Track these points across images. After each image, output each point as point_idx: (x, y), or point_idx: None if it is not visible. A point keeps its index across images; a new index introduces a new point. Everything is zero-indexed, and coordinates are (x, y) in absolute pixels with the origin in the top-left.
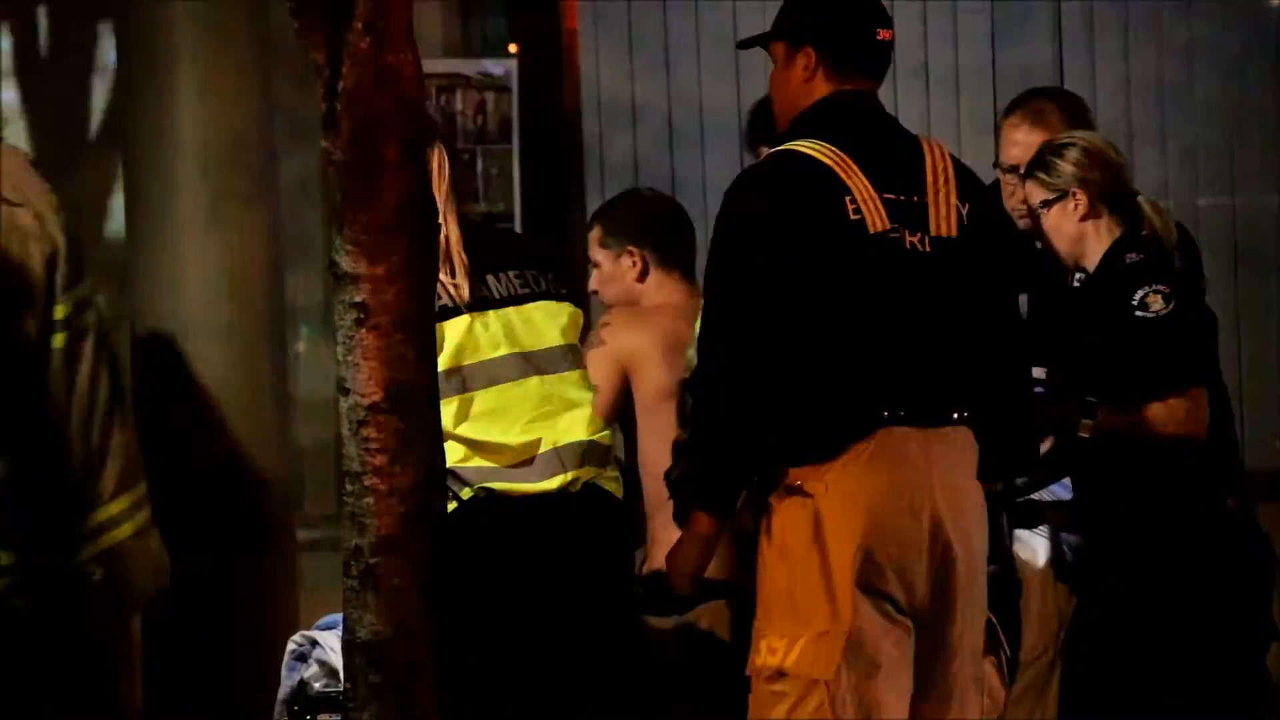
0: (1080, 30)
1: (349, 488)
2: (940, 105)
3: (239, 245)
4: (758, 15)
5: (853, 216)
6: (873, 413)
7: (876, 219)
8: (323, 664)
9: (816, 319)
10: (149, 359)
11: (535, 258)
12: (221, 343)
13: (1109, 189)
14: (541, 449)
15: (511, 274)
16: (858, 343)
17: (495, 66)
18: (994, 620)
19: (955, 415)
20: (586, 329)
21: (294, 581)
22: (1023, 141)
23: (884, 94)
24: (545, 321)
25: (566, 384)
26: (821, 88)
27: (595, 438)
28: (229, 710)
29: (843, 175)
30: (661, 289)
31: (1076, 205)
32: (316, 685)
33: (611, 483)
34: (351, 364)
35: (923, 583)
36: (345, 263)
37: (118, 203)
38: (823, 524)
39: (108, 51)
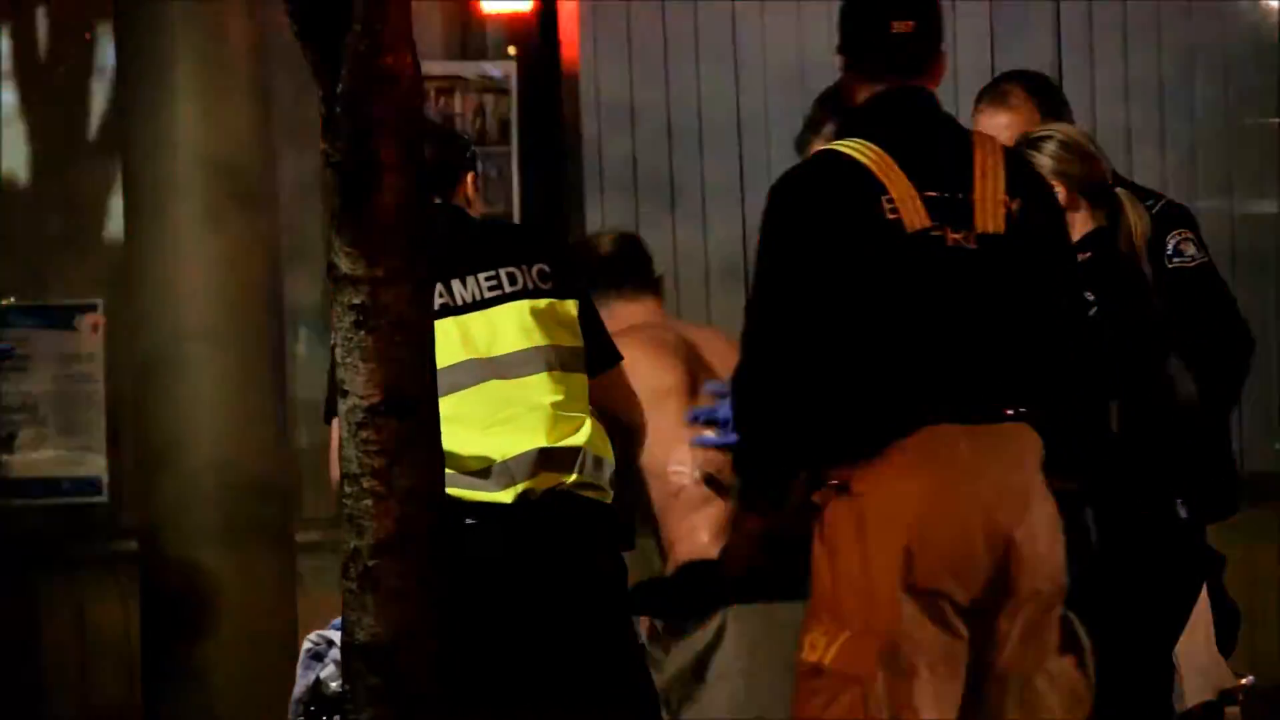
0: (1080, 31)
1: (348, 490)
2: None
3: (238, 247)
4: (757, 16)
5: (889, 216)
6: (915, 411)
7: (915, 217)
8: (339, 664)
9: (856, 318)
10: (148, 361)
11: (518, 252)
12: (220, 344)
13: (1087, 181)
14: (495, 462)
15: (481, 277)
16: (897, 341)
17: (494, 68)
18: (1073, 617)
19: (1009, 412)
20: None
21: (293, 583)
22: (985, 125)
23: None
24: (511, 325)
25: (529, 388)
26: (861, 90)
27: (560, 444)
28: (227, 707)
29: (880, 174)
30: (629, 311)
31: None
32: (333, 685)
33: (586, 488)
34: (350, 366)
35: (978, 578)
36: (344, 265)
37: (117, 204)
38: (866, 523)
39: (107, 52)
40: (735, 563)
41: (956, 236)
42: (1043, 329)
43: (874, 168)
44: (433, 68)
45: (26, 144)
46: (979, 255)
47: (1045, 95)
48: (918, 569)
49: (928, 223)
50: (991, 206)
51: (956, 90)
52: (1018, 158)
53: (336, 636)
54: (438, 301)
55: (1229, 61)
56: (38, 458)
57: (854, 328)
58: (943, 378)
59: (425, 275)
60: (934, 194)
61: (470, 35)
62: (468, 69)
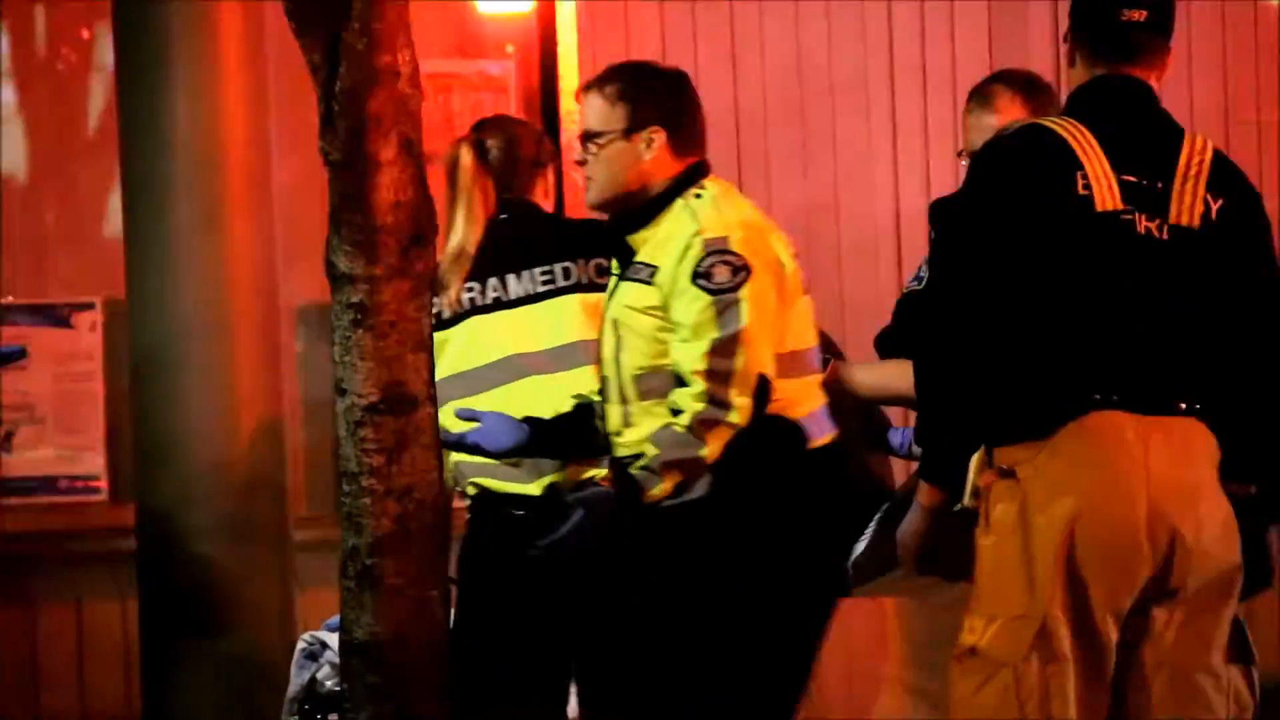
0: None
1: (346, 488)
2: (938, 105)
3: (235, 246)
4: (755, 15)
5: (1081, 192)
6: (1083, 395)
7: (1107, 198)
8: (334, 664)
9: (1036, 293)
10: (146, 359)
11: (577, 247)
12: (218, 343)
13: None
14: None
15: (537, 271)
16: (1074, 320)
17: (493, 67)
18: (1244, 626)
19: (1182, 405)
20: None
21: (291, 582)
22: (975, 127)
23: (881, 94)
24: (560, 319)
25: (570, 381)
26: (1080, 74)
27: None
28: (227, 707)
29: (1078, 151)
30: None
31: None
32: (328, 684)
33: None
34: (348, 364)
35: (1136, 570)
36: (342, 263)
37: (116, 203)
38: (1028, 507)
39: (106, 52)
40: (908, 536)
41: (1149, 225)
42: (1227, 329)
43: (1072, 142)
44: (431, 65)
45: (26, 142)
46: (1168, 246)
47: (1031, 93)
48: (1076, 557)
49: (1119, 205)
50: (1190, 200)
51: (955, 90)
52: (1228, 161)
53: (330, 636)
54: (490, 296)
55: (1228, 61)
56: (36, 456)
57: (1033, 303)
58: (1116, 363)
59: (424, 273)
60: (1131, 179)
61: (469, 33)
62: (466, 67)
